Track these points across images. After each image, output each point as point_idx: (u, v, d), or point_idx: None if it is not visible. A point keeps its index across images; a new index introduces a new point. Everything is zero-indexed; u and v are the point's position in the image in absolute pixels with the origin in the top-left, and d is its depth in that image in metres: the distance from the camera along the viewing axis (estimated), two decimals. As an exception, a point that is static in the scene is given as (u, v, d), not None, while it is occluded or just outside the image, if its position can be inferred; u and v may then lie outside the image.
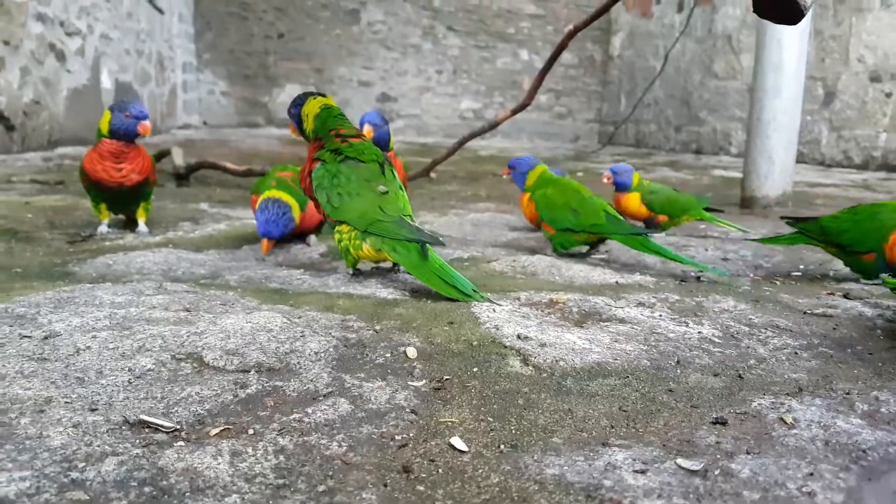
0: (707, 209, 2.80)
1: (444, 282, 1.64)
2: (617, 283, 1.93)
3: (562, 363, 1.24)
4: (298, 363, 1.20)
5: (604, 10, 2.72)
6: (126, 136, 2.21)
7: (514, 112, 3.11)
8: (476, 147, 9.62)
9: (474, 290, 1.63)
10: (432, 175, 3.66)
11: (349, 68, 9.71)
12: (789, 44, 3.36)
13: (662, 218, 2.78)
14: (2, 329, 1.21)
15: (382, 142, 2.40)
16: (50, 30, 5.85)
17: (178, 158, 3.98)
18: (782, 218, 2.28)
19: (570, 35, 2.85)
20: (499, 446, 0.95)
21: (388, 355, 1.27)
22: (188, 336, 1.24)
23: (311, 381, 1.13)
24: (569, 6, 10.21)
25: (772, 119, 3.47)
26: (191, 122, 9.66)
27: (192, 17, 9.54)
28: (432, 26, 9.89)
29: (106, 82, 7.03)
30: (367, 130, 2.35)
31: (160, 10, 8.43)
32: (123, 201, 2.35)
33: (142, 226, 2.42)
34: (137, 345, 1.18)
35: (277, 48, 9.47)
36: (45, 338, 1.18)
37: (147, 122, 2.19)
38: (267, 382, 1.12)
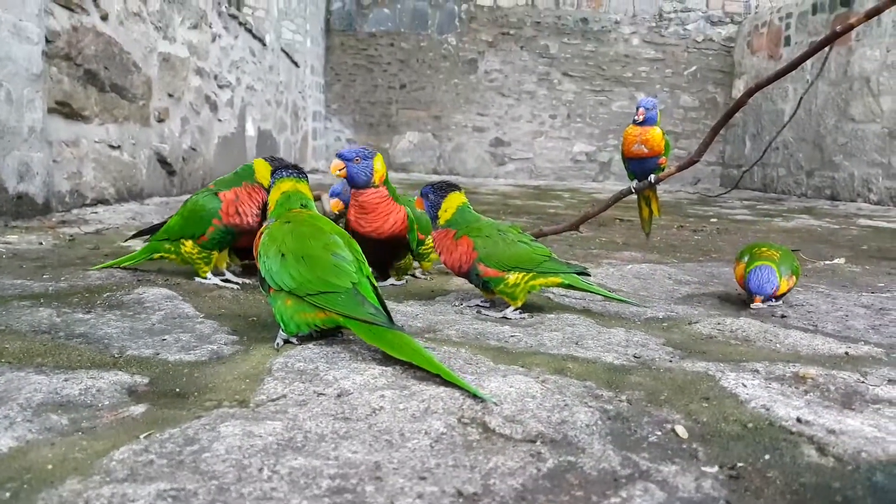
0: None
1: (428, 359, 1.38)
2: (847, 353, 1.79)
3: (864, 454, 1.15)
4: (576, 436, 1.19)
5: (793, 66, 2.63)
6: None
7: (680, 168, 3.03)
8: (589, 190, 9.51)
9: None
10: (580, 230, 3.62)
11: (465, 115, 10.01)
12: None
13: None
14: (296, 385, 1.29)
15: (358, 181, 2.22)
16: (206, 83, 6.44)
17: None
18: None
19: (749, 93, 2.77)
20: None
21: (659, 433, 1.23)
22: (464, 399, 1.27)
23: (602, 458, 1.11)
24: (689, 49, 10.03)
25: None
26: (318, 167, 10.31)
27: (324, 70, 10.24)
28: (548, 73, 10.03)
29: (250, 130, 7.62)
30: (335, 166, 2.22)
31: (296, 64, 9.10)
32: None
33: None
34: (423, 406, 1.22)
35: (399, 98, 9.95)
36: (339, 395, 1.24)
37: None
38: (560, 457, 1.11)
